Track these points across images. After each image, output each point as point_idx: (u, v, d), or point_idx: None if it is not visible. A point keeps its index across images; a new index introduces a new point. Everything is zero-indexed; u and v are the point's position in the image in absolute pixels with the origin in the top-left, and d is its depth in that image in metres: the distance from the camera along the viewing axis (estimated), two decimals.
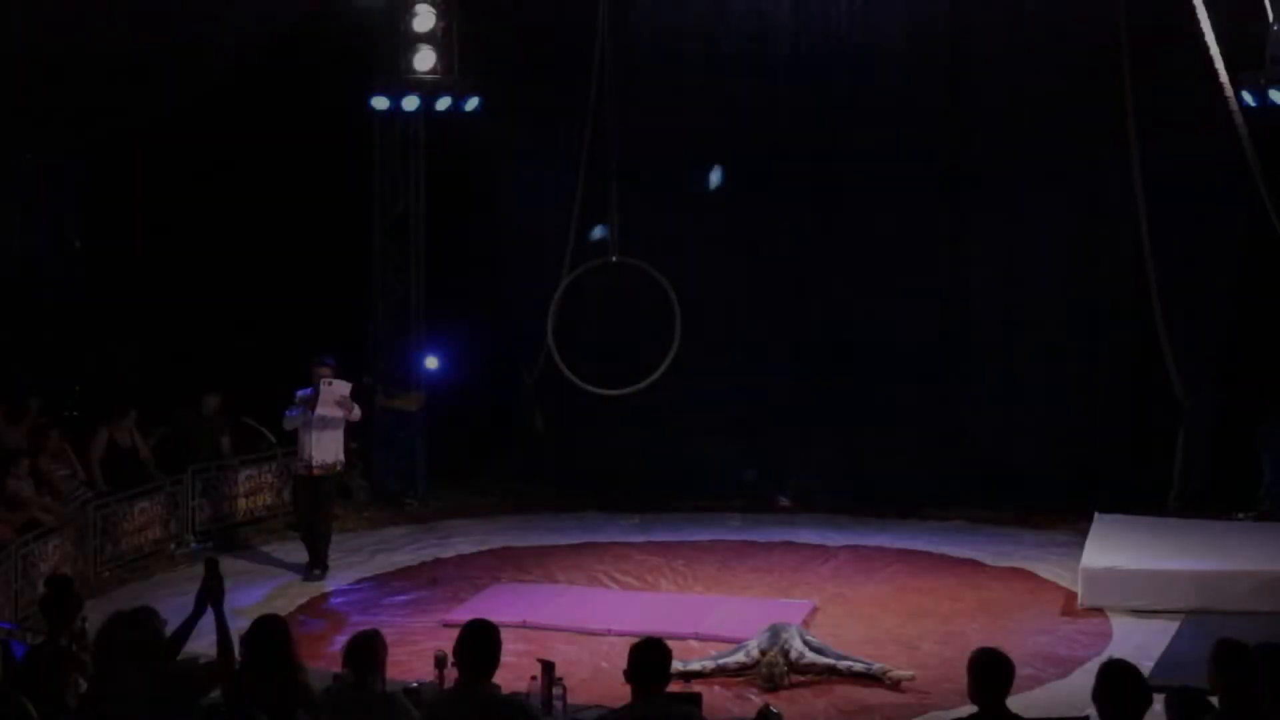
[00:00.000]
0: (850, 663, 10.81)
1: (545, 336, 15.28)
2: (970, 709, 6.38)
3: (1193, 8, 12.90)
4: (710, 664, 10.80)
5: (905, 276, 16.10)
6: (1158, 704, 6.32)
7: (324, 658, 10.67)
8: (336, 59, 15.39)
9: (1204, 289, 15.08)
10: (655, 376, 14.83)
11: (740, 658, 10.81)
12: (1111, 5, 14.85)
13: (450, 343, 16.55)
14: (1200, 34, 12.92)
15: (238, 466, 15.11)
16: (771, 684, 10.56)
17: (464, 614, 11.18)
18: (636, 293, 15.52)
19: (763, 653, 10.71)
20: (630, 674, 6.44)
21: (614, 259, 15.12)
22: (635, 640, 6.60)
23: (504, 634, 6.80)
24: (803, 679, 10.72)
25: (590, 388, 15.21)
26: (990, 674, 6.35)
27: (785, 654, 10.66)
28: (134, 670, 6.97)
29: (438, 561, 14.17)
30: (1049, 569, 13.62)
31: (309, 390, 13.64)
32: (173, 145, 16.35)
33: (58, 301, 16.78)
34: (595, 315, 16.55)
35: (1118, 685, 6.08)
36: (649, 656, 6.45)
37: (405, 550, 14.50)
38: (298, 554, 14.33)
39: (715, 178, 16.44)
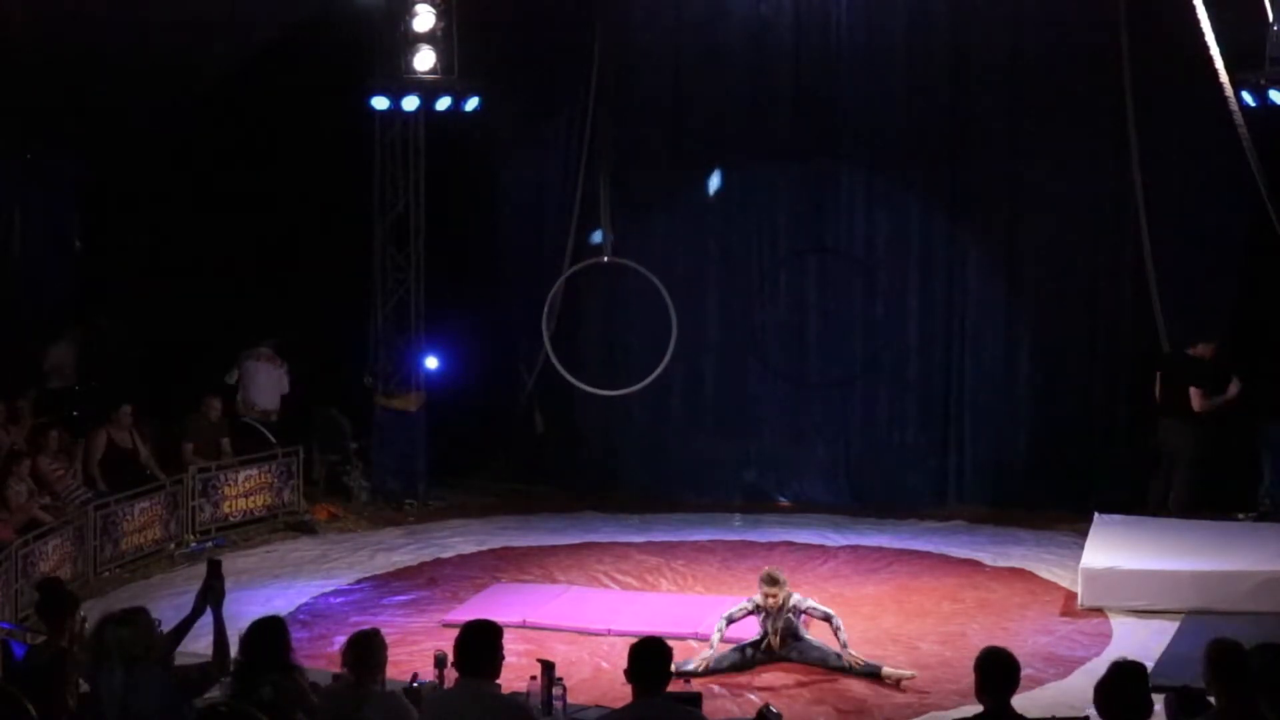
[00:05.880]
0: (851, 656, 10.81)
1: (544, 337, 15.30)
2: (975, 708, 6.39)
3: (1193, 8, 12.89)
4: (710, 663, 10.80)
5: (905, 275, 16.11)
6: (1157, 704, 6.32)
7: (324, 658, 10.68)
8: (336, 59, 15.39)
9: (1204, 289, 15.08)
10: (653, 377, 14.85)
11: (739, 657, 10.84)
12: (1111, 5, 14.86)
13: (450, 343, 16.56)
14: (1200, 34, 12.90)
15: (238, 466, 15.11)
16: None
17: (464, 614, 11.20)
18: (633, 293, 15.54)
19: (761, 641, 10.83)
20: (631, 674, 6.45)
21: (606, 259, 15.14)
22: (635, 640, 6.60)
23: (504, 634, 6.80)
24: (805, 680, 10.74)
25: (588, 388, 15.24)
26: (997, 673, 6.36)
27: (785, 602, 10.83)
28: (123, 671, 6.95)
29: (438, 561, 14.15)
30: (1049, 569, 13.62)
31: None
32: (173, 145, 16.37)
33: (58, 301, 16.78)
34: (594, 316, 16.58)
35: (1125, 686, 6.08)
36: (649, 656, 6.45)
37: (405, 550, 14.49)
38: (297, 554, 14.36)
39: (714, 182, 16.45)
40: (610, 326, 16.56)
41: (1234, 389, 14.42)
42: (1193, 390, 14.45)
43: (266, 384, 16.08)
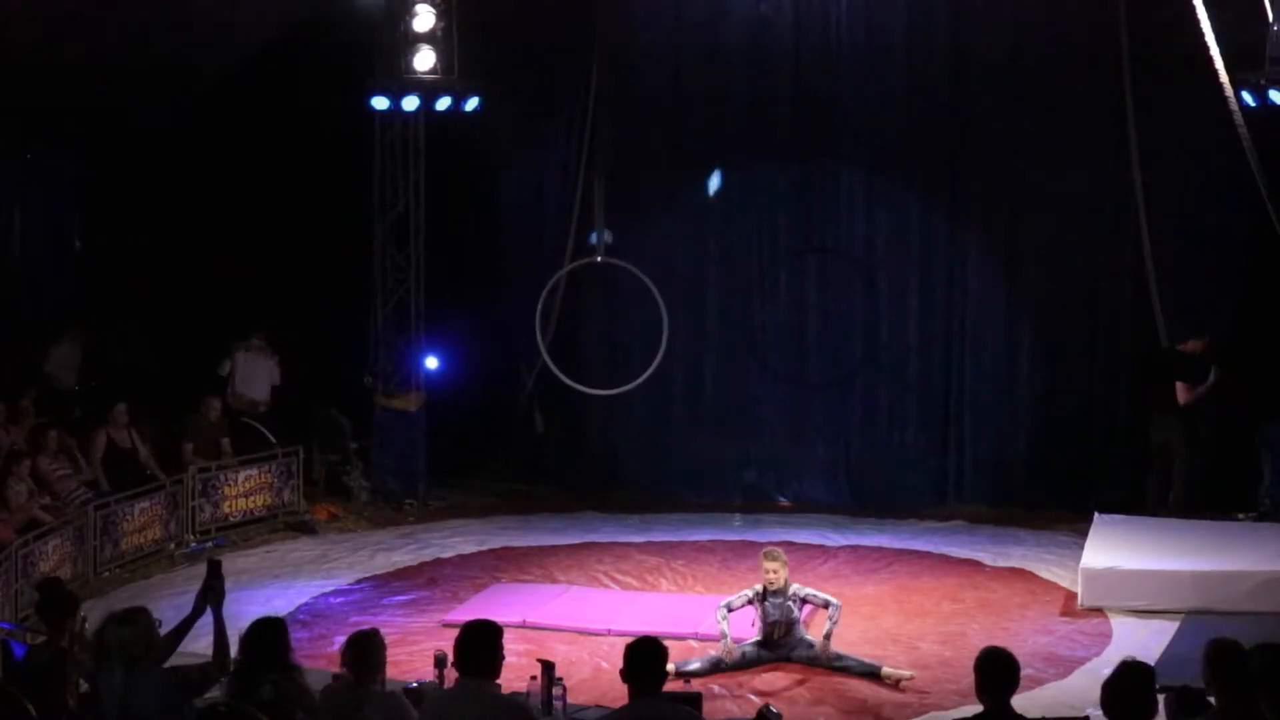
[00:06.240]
0: (849, 661, 10.83)
1: (537, 337, 15.36)
2: (975, 708, 6.39)
3: (1193, 8, 12.90)
4: (710, 664, 10.81)
5: (905, 275, 16.12)
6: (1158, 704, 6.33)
7: (324, 658, 10.67)
8: (336, 59, 15.39)
9: (1204, 289, 15.08)
10: (644, 377, 14.89)
11: (740, 656, 10.85)
12: (1111, 5, 14.86)
13: (450, 343, 16.56)
14: (1200, 34, 12.91)
15: (238, 466, 15.11)
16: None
17: (464, 614, 11.20)
18: (633, 293, 15.55)
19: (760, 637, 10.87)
20: (626, 674, 6.45)
21: (599, 259, 15.18)
22: (630, 640, 6.60)
23: (504, 634, 6.80)
24: (805, 680, 10.75)
25: (581, 387, 15.27)
26: (997, 673, 6.36)
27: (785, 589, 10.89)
28: (123, 671, 6.94)
29: (438, 561, 14.15)
30: (1049, 569, 13.62)
31: None
32: (173, 145, 16.37)
33: (58, 301, 16.77)
34: (593, 316, 16.58)
35: (1133, 687, 6.08)
36: (644, 656, 6.45)
37: (405, 550, 14.49)
38: (297, 554, 14.37)
39: (714, 182, 16.45)
40: (610, 326, 16.56)
41: (1211, 378, 14.47)
42: (1179, 384, 14.50)
43: (257, 375, 16.19)
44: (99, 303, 16.93)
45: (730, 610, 10.93)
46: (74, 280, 17.12)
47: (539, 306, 15.10)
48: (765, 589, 10.97)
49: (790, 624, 10.97)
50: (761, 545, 14.39)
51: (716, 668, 10.78)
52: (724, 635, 10.84)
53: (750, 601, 10.99)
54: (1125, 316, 15.65)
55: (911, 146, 15.96)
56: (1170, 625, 11.70)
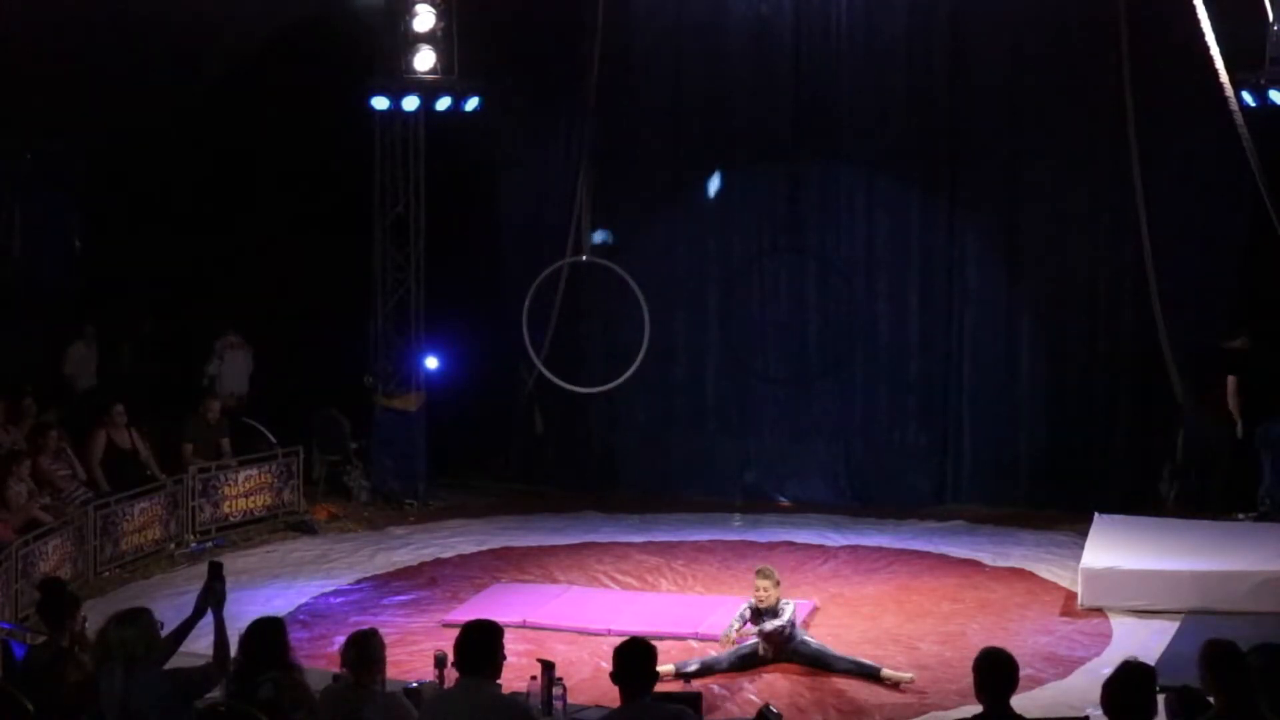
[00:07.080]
0: (848, 663, 10.83)
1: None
2: (975, 708, 6.39)
3: (1193, 8, 12.91)
4: (710, 664, 10.79)
5: (904, 275, 16.11)
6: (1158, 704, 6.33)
7: (324, 658, 10.67)
8: (336, 59, 15.40)
9: (1204, 289, 15.09)
10: (626, 376, 14.93)
11: (738, 658, 10.85)
12: (1111, 5, 14.86)
13: (450, 343, 16.56)
14: (1200, 34, 12.91)
15: (238, 467, 15.10)
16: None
17: (464, 614, 11.20)
18: (630, 292, 15.55)
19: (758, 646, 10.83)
20: (616, 675, 6.46)
21: (584, 258, 15.18)
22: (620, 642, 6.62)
23: (504, 634, 6.80)
24: (805, 680, 10.74)
25: (567, 385, 15.31)
26: (996, 674, 6.37)
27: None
28: (123, 671, 6.93)
29: (438, 561, 14.15)
30: (1049, 569, 13.61)
31: None
32: (173, 145, 16.38)
33: (58, 301, 16.78)
34: (591, 315, 16.58)
35: (1133, 687, 6.08)
36: (633, 657, 6.46)
37: (405, 550, 14.49)
38: (297, 554, 14.36)
39: (714, 182, 16.45)
40: (609, 326, 16.53)
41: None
42: (1230, 379, 14.50)
43: (237, 369, 16.48)
44: (100, 303, 16.93)
45: (744, 621, 10.92)
46: (74, 280, 17.13)
47: (525, 304, 15.10)
48: (756, 606, 10.93)
49: (784, 641, 10.91)
50: (761, 545, 14.51)
51: (716, 667, 10.77)
52: (730, 626, 10.82)
53: (750, 617, 10.97)
54: (1125, 316, 15.65)
55: (911, 146, 15.96)
56: (1170, 625, 11.69)
